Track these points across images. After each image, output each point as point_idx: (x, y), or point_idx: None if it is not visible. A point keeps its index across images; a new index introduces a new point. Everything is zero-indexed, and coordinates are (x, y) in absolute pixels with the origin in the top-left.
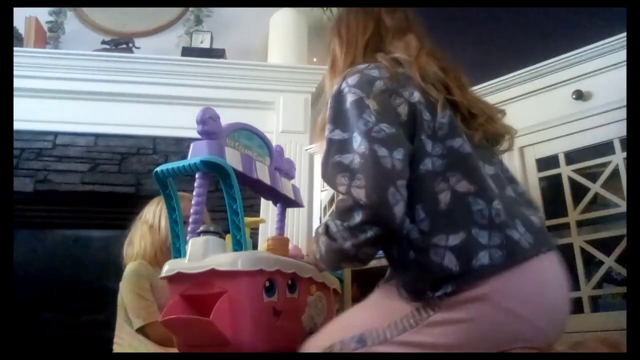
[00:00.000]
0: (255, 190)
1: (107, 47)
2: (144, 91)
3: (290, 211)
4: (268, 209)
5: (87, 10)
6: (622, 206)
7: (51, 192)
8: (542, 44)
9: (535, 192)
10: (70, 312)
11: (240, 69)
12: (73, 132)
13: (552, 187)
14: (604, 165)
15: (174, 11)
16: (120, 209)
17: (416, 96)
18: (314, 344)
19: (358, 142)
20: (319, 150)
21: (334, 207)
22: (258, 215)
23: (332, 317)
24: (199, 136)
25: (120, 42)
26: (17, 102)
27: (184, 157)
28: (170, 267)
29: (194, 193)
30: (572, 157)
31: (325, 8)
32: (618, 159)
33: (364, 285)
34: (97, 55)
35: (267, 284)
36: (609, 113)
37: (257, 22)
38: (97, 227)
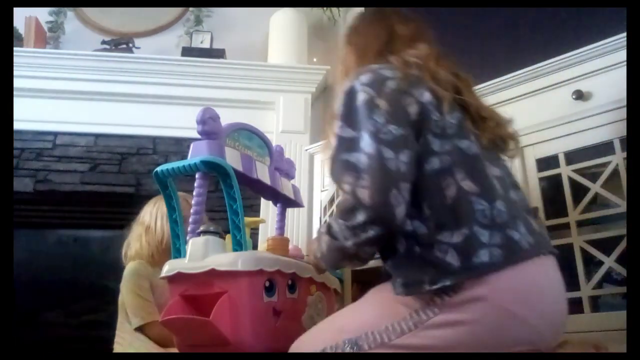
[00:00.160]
0: (255, 190)
1: (107, 47)
2: (144, 91)
3: (290, 211)
4: (268, 209)
5: (87, 10)
6: (622, 206)
7: (51, 192)
8: (542, 44)
9: (535, 192)
10: (70, 312)
11: (240, 69)
12: (73, 132)
13: (552, 187)
14: (604, 165)
15: (174, 11)
16: (120, 209)
17: (426, 96)
18: (304, 346)
19: (366, 142)
20: (324, 149)
21: (334, 207)
22: (258, 215)
23: None
24: (199, 136)
25: (120, 42)
26: (17, 102)
27: (184, 157)
28: (170, 267)
29: (194, 193)
30: (572, 157)
31: (325, 8)
32: (618, 159)
33: (364, 285)
34: (97, 55)
35: (267, 284)
36: (609, 113)
37: (257, 22)
38: (97, 227)
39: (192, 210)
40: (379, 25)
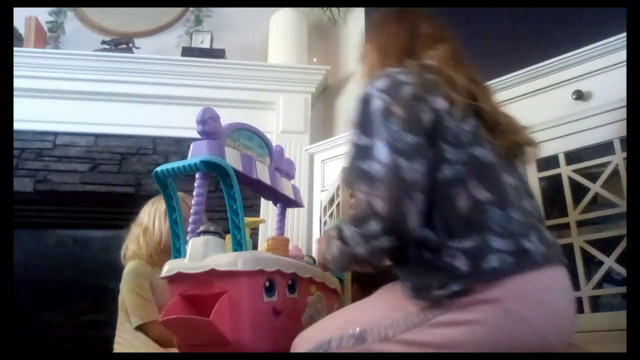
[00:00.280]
0: (255, 190)
1: (107, 47)
2: (144, 91)
3: (290, 211)
4: (268, 209)
5: (87, 10)
6: (622, 206)
7: (51, 192)
8: (542, 44)
9: (535, 193)
10: (70, 312)
11: (240, 69)
12: (73, 132)
13: (552, 187)
14: (604, 165)
15: (174, 11)
16: (120, 209)
17: (441, 103)
18: (309, 336)
19: (381, 151)
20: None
21: (334, 207)
22: (258, 215)
23: None
24: (199, 136)
25: (120, 42)
26: (17, 102)
27: (184, 157)
28: (170, 267)
29: (194, 193)
30: (572, 157)
31: (325, 8)
32: (618, 159)
33: (364, 285)
34: (97, 55)
35: (267, 284)
36: (609, 113)
37: (257, 22)
38: (97, 227)
39: (192, 210)
40: (402, 23)
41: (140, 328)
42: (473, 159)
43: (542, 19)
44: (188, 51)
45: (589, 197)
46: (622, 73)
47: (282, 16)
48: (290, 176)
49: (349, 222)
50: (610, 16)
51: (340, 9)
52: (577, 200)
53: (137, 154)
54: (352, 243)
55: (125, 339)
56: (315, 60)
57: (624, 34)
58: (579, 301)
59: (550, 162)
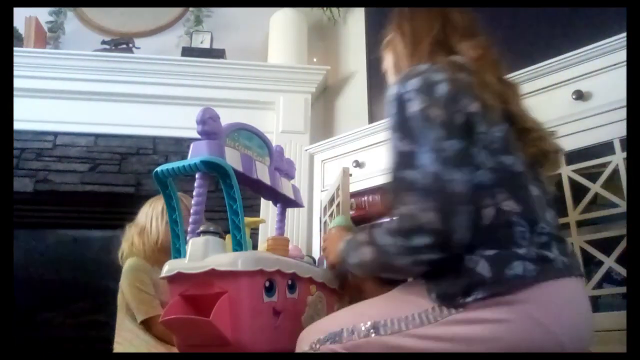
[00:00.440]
0: (255, 190)
1: (107, 47)
2: (143, 91)
3: (290, 211)
4: (268, 209)
5: (87, 10)
6: (622, 206)
7: (51, 192)
8: (542, 44)
9: None
10: (70, 312)
11: (240, 69)
12: (73, 132)
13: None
14: (604, 165)
15: (174, 11)
16: (120, 209)
17: (474, 106)
18: (320, 327)
19: (426, 159)
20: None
21: (334, 207)
22: (258, 215)
23: None
24: (199, 136)
25: (120, 42)
26: (17, 102)
27: (184, 157)
28: (170, 267)
29: (194, 193)
30: (572, 157)
31: (325, 8)
32: (618, 159)
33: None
34: (97, 55)
35: (267, 284)
36: (609, 113)
37: (257, 22)
38: (97, 227)
39: (192, 210)
40: (431, 11)
41: (145, 323)
42: (502, 167)
43: (542, 19)
44: (188, 51)
45: (589, 197)
46: (622, 73)
47: (282, 16)
48: (290, 176)
49: (387, 232)
50: (610, 16)
51: (340, 9)
52: (577, 200)
53: (137, 154)
54: (392, 253)
55: (125, 338)
56: (315, 60)
57: (624, 34)
58: None
59: None
